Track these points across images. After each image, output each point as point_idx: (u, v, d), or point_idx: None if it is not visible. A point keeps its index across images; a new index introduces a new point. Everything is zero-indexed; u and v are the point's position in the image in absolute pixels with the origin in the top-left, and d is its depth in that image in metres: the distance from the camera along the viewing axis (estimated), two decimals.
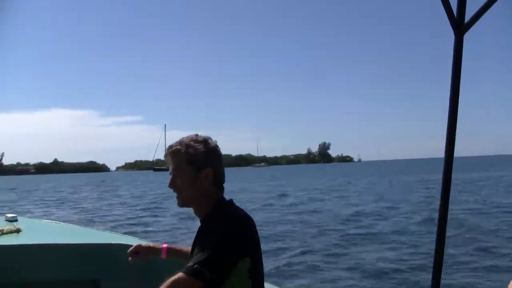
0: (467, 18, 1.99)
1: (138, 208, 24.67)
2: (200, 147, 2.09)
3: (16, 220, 4.12)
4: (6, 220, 4.10)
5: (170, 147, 2.15)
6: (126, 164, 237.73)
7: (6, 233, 3.73)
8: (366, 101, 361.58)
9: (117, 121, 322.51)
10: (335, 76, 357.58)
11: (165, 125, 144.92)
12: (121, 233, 4.35)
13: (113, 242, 3.62)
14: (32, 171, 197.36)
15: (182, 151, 2.10)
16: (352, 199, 25.89)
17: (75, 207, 26.23)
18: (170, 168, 2.14)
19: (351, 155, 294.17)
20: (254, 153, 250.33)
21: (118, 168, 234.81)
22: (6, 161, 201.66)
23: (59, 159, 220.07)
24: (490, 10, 1.97)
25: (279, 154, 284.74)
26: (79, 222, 15.68)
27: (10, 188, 57.26)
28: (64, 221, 5.00)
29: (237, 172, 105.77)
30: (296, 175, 72.81)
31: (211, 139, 2.16)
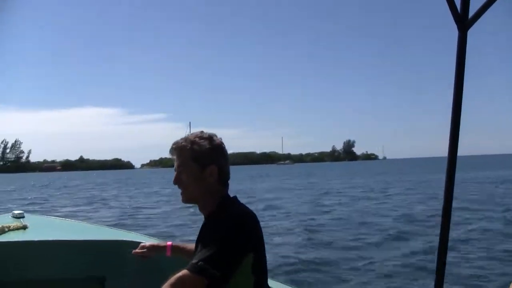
0: (471, 13, 2.00)
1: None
2: (205, 143, 2.10)
3: (23, 217, 4.17)
4: (13, 217, 4.15)
5: (175, 143, 2.16)
6: (150, 161, 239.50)
7: (13, 230, 3.75)
8: (391, 99, 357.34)
9: (142, 119, 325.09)
10: (359, 74, 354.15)
11: (189, 122, 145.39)
12: (127, 230, 4.39)
13: (119, 239, 3.65)
14: (58, 168, 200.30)
15: (187, 147, 2.11)
16: (419, 196, 24.81)
17: (114, 207, 25.32)
18: (175, 164, 2.15)
19: (376, 153, 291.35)
20: (279, 150, 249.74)
21: (143, 166, 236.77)
22: (33, 159, 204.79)
23: (85, 157, 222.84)
24: (493, 6, 1.98)
25: (303, 151, 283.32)
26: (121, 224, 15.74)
27: (42, 185, 58.01)
28: (77, 219, 5.07)
29: (264, 169, 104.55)
30: (335, 173, 70.25)
31: (216, 136, 2.17)
